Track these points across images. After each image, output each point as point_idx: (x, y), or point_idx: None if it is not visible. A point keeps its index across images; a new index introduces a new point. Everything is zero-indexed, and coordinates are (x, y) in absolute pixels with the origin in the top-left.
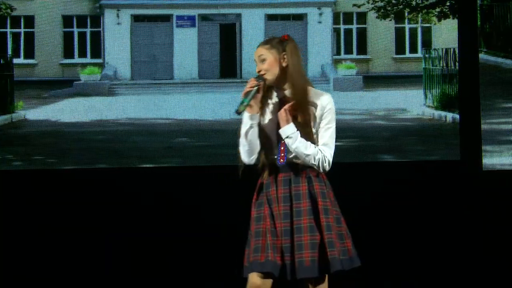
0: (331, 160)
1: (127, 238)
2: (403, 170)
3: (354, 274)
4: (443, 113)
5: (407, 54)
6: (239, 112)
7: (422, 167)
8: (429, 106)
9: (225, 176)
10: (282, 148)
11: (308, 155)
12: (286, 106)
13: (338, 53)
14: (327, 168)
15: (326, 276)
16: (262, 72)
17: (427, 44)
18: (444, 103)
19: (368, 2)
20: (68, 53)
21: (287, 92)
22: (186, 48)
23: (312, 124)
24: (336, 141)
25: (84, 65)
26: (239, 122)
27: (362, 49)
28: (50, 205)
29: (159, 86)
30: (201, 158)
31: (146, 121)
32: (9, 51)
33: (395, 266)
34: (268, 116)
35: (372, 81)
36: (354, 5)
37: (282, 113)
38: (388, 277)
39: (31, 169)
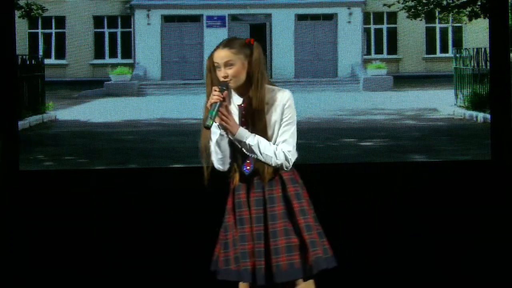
0: (292, 158)
1: (157, 238)
2: (433, 170)
3: (380, 277)
4: (474, 113)
5: (438, 54)
6: (208, 127)
7: (453, 167)
8: (460, 106)
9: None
10: (248, 157)
11: (267, 155)
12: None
13: (368, 53)
14: (289, 166)
15: (312, 280)
16: (228, 79)
17: (458, 43)
18: (475, 103)
19: (398, 2)
20: (99, 54)
21: (246, 98)
22: None
23: (275, 126)
24: (367, 141)
25: (114, 66)
26: None
27: (393, 49)
28: (80, 205)
29: (189, 87)
30: None
31: (176, 121)
32: (40, 52)
33: (421, 265)
34: None
35: (402, 81)
36: (385, 4)
37: (230, 120)
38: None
39: (62, 169)
